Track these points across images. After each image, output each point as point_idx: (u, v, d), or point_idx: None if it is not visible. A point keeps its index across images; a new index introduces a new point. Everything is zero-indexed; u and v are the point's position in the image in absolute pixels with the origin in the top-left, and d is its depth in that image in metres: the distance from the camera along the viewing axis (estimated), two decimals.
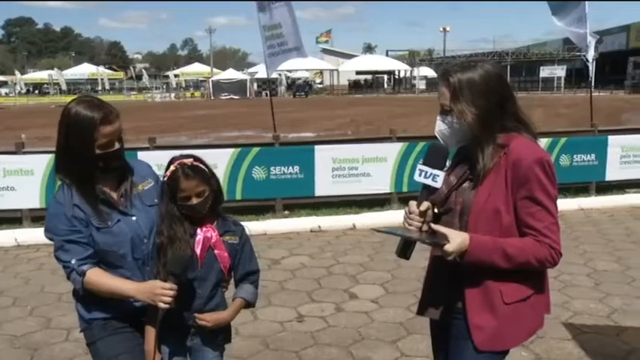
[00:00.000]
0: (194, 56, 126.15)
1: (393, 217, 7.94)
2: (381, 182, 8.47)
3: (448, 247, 2.01)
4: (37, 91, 72.85)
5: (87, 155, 2.25)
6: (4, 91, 72.97)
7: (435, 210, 2.20)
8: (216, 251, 2.40)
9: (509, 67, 57.31)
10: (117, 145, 2.31)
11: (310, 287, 5.63)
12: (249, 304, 2.53)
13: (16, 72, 71.32)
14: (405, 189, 8.47)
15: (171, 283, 2.24)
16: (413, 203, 2.16)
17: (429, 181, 2.11)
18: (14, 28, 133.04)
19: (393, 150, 8.48)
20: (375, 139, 8.90)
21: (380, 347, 4.34)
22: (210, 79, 62.92)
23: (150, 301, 2.24)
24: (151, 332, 2.33)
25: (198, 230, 2.39)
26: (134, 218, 2.39)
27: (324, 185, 8.39)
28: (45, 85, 71.03)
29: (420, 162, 2.18)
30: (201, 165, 2.40)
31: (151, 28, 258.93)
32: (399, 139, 8.68)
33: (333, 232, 7.76)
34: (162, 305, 2.22)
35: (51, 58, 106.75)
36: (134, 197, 2.42)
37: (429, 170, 2.11)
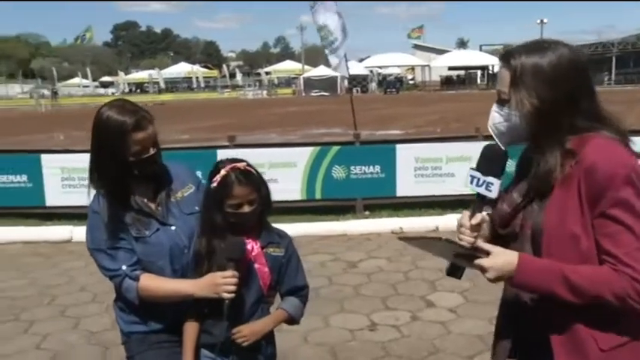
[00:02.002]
0: (286, 54, 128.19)
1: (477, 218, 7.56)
2: (466, 183, 8.04)
3: (485, 262, 1.67)
4: (138, 90, 76.58)
5: (119, 162, 2.15)
6: (110, 90, 77.18)
7: (499, 231, 1.85)
8: (256, 265, 2.22)
9: (614, 59, 53.89)
10: (152, 151, 2.20)
11: (386, 293, 5.41)
12: (292, 320, 2.32)
13: (120, 73, 75.28)
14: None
15: (231, 270, 2.10)
16: (466, 214, 1.84)
17: (481, 190, 1.80)
18: (121, 32, 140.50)
19: (478, 149, 8.01)
20: (460, 137, 8.51)
21: None
22: (301, 77, 63.59)
23: (212, 294, 2.10)
24: (188, 354, 2.21)
25: None
26: (173, 228, 2.28)
27: (406, 185, 8.12)
28: (145, 84, 74.50)
29: (472, 167, 1.85)
30: (253, 171, 2.24)
31: (245, 27, 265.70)
32: (486, 138, 8.22)
33: (414, 234, 7.49)
34: (226, 295, 2.07)
35: (152, 58, 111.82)
36: (172, 205, 2.30)
37: (482, 177, 1.80)
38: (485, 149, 1.84)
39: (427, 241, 1.86)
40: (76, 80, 74.86)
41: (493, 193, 1.79)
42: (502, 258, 1.67)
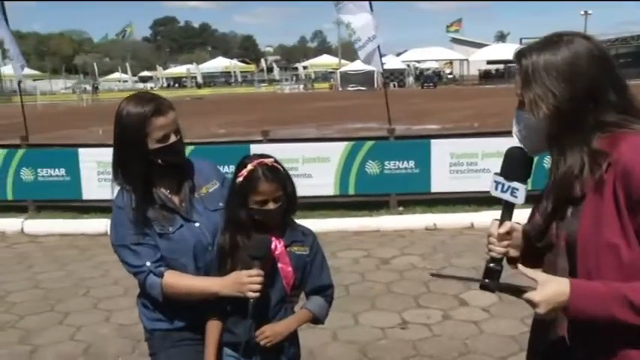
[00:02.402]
0: (323, 48, 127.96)
1: (515, 216, 7.39)
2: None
3: (533, 296, 1.49)
4: (176, 85, 77.58)
5: (142, 152, 2.12)
6: (149, 85, 78.43)
7: (536, 244, 1.70)
8: (279, 265, 2.17)
9: None
10: (173, 138, 2.17)
11: (418, 291, 5.33)
12: (317, 320, 2.27)
13: (159, 67, 76.37)
14: (529, 187, 7.81)
15: (256, 269, 2.05)
16: (495, 223, 1.72)
17: (506, 196, 1.68)
18: (159, 27, 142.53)
19: (515, 144, 7.85)
20: (497, 132, 8.31)
21: None
22: (338, 71, 63.42)
23: (237, 293, 2.06)
24: (211, 353, 2.18)
25: None
26: (197, 224, 2.24)
27: (441, 181, 7.98)
28: (183, 79, 75.43)
29: (496, 172, 1.73)
30: (280, 167, 2.19)
31: (282, 22, 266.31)
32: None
33: (449, 230, 7.38)
34: (251, 294, 2.03)
35: (190, 53, 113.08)
36: (196, 201, 2.27)
37: (506, 182, 1.68)
38: (509, 152, 1.72)
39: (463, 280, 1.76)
40: (116, 75, 76.22)
41: (519, 199, 1.68)
42: (552, 288, 1.49)
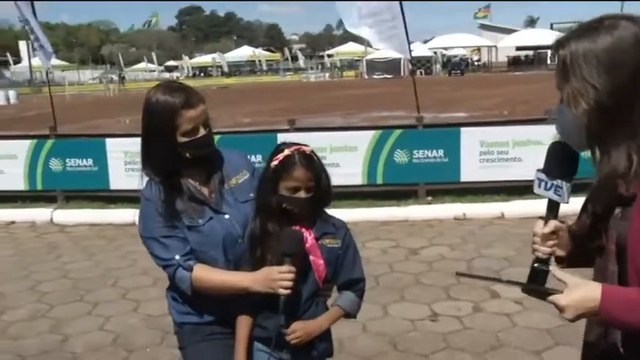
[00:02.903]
0: (349, 36, 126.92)
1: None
2: (533, 168, 7.59)
3: (559, 300, 1.42)
4: (202, 74, 77.94)
5: (170, 144, 2.08)
6: (175, 74, 78.98)
7: (586, 245, 1.62)
8: (311, 257, 2.12)
9: None
10: (203, 132, 2.12)
11: (447, 282, 5.24)
12: (348, 315, 2.22)
13: (184, 57, 76.77)
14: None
15: (287, 265, 2.01)
16: (539, 223, 1.61)
17: (550, 194, 1.58)
18: (185, 16, 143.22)
19: (548, 132, 7.69)
20: (528, 120, 8.15)
21: (520, 357, 3.89)
22: (364, 59, 63.04)
23: (268, 289, 2.02)
24: (241, 347, 2.14)
25: None
26: (227, 216, 2.20)
27: (471, 170, 7.86)
28: (209, 68, 75.76)
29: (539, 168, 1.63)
30: (316, 158, 2.14)
31: (307, 10, 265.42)
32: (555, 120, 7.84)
33: (479, 220, 7.27)
34: (282, 291, 1.99)
35: (215, 42, 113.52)
36: (226, 193, 2.22)
37: (549, 180, 1.58)
38: (552, 147, 1.60)
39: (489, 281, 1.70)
40: (142, 65, 76.88)
41: (563, 198, 1.57)
42: (579, 293, 1.41)
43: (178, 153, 2.11)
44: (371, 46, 9.57)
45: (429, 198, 8.04)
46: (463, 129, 7.96)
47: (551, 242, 1.60)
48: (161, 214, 2.13)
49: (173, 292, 2.30)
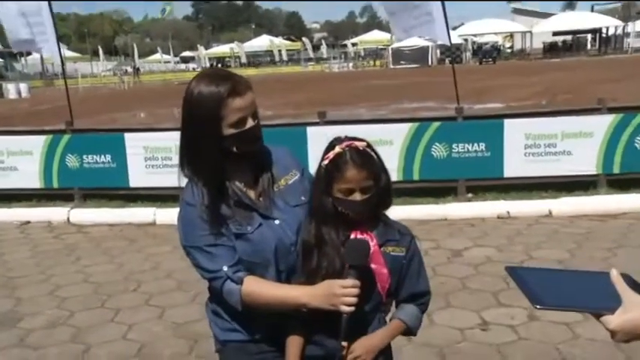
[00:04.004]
0: (373, 23, 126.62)
1: (599, 203, 7.05)
2: (584, 162, 7.51)
3: (608, 323, 1.27)
4: (219, 65, 78.12)
5: (215, 138, 1.94)
6: (191, 66, 79.41)
7: None
8: (373, 266, 1.97)
9: None
10: (251, 123, 1.97)
11: (497, 287, 5.06)
12: (409, 331, 2.07)
13: (200, 47, 77.00)
14: (616, 170, 7.44)
15: (351, 278, 1.85)
16: None
17: None
18: (201, 5, 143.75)
19: (601, 123, 7.46)
20: (579, 110, 7.89)
21: None
22: (389, 47, 62.66)
23: (328, 305, 1.87)
24: None
25: (352, 236, 1.97)
26: (277, 222, 2.04)
27: (515, 165, 7.67)
28: (227, 59, 75.94)
29: None
30: (373, 154, 1.99)
31: None
32: (610, 110, 7.60)
33: (525, 219, 7.07)
34: (345, 309, 1.83)
35: (233, 31, 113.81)
36: (276, 195, 2.07)
37: None
38: None
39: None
40: (157, 56, 77.32)
41: None
42: (634, 318, 1.25)
43: (224, 148, 1.97)
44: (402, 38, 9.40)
45: (470, 195, 7.86)
46: (507, 120, 7.75)
47: None
48: (206, 220, 1.98)
49: (215, 306, 2.16)
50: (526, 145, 7.63)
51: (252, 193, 2.06)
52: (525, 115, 8.16)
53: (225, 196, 2.01)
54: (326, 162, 1.97)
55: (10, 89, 42.53)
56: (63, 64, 10.11)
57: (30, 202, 8.55)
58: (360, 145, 1.97)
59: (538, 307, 1.36)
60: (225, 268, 1.97)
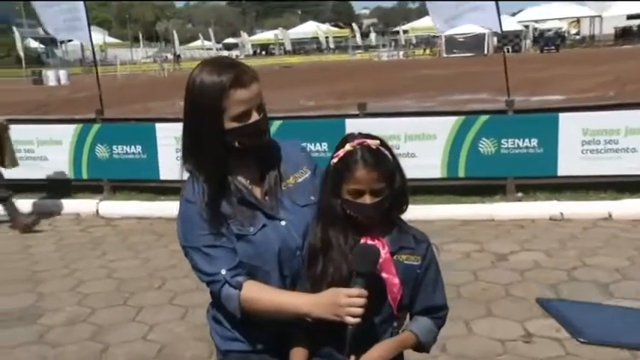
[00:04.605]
0: (425, 10, 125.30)
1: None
2: None
3: None
4: (263, 52, 78.68)
5: (217, 132, 1.90)
6: (234, 53, 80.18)
7: None
8: (384, 275, 1.90)
9: None
10: (256, 116, 1.93)
11: (543, 296, 4.91)
12: (421, 346, 1.99)
13: (243, 34, 77.65)
14: None
15: (358, 287, 1.80)
16: None
17: None
18: None
19: None
20: None
21: None
22: (442, 35, 61.98)
23: (332, 316, 1.82)
24: None
25: (362, 241, 1.91)
26: (283, 223, 2.00)
27: (571, 162, 7.45)
28: (271, 46, 76.41)
29: None
30: (388, 154, 1.93)
31: None
32: None
33: (580, 222, 6.86)
34: (350, 320, 1.78)
35: (278, 17, 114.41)
36: (282, 195, 2.02)
37: None
38: None
39: None
40: (199, 42, 78.25)
41: None
42: None
43: (226, 142, 1.93)
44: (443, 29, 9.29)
45: (520, 194, 7.70)
46: (562, 114, 7.53)
47: None
48: (205, 219, 1.95)
49: (216, 312, 2.13)
50: (583, 142, 7.41)
51: (257, 191, 2.02)
52: (583, 108, 7.92)
53: (227, 193, 1.97)
54: (335, 160, 1.92)
55: (50, 76, 43.77)
56: (94, 51, 10.26)
57: (59, 193, 8.72)
58: (373, 143, 1.91)
59: (582, 340, 1.28)
60: (223, 272, 1.95)
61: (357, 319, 1.78)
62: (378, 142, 1.93)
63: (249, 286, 1.94)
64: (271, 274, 1.99)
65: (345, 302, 1.79)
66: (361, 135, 1.95)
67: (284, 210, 2.02)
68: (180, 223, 2.03)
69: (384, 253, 1.90)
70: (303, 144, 2.29)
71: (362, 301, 1.79)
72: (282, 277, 2.00)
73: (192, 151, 2.00)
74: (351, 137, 1.94)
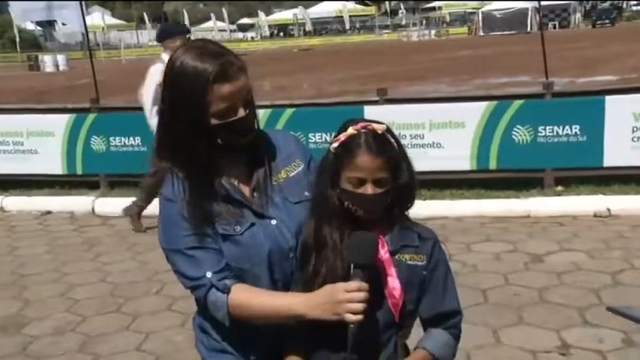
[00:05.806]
0: None
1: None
2: None
3: None
4: (281, 33, 78.84)
5: (198, 127, 1.88)
6: (249, 35, 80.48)
7: None
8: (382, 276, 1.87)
9: None
10: (242, 112, 1.90)
11: (584, 301, 4.88)
12: None
13: (260, 13, 77.87)
14: None
15: (358, 281, 1.77)
16: None
17: None
18: None
19: None
20: None
21: None
22: (479, 11, 61.69)
23: (331, 315, 1.79)
24: None
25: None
26: (274, 222, 1.98)
27: (618, 152, 7.42)
28: (290, 26, 76.54)
29: None
30: (394, 141, 1.90)
31: None
32: None
33: (629, 219, 6.82)
34: (350, 317, 1.75)
35: None
36: (273, 190, 2.01)
37: None
38: None
39: None
40: (211, 24, 78.56)
41: None
42: None
43: (208, 138, 1.91)
44: None
45: (559, 188, 7.70)
46: (609, 97, 7.48)
47: None
48: (187, 219, 1.93)
49: (202, 320, 2.12)
50: (634, 128, 7.37)
51: (244, 188, 2.01)
52: (633, 90, 7.83)
53: (211, 190, 1.96)
54: (335, 144, 1.90)
55: (47, 61, 44.25)
56: (87, 31, 10.31)
57: (52, 189, 8.81)
58: (379, 128, 1.88)
59: None
60: (208, 275, 1.93)
61: (359, 317, 1.75)
62: (384, 127, 1.90)
63: (237, 289, 1.92)
64: (261, 278, 1.97)
65: (344, 298, 1.76)
66: (364, 120, 1.93)
67: (275, 207, 2.00)
68: (160, 225, 2.02)
69: (384, 252, 1.87)
70: (305, 137, 2.27)
71: (362, 295, 1.76)
72: (272, 281, 1.99)
73: (169, 147, 1.98)
74: (353, 121, 1.92)
